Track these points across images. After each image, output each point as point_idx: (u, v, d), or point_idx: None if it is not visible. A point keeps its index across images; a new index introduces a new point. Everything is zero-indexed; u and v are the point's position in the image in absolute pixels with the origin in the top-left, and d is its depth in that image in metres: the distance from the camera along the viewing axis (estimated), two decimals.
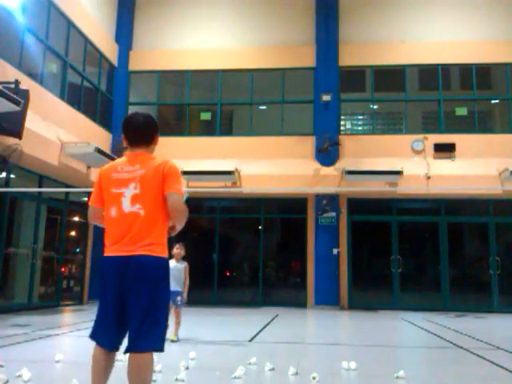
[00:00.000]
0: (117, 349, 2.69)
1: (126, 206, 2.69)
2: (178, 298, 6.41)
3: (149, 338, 2.55)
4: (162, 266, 2.70)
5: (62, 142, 10.23)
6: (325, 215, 12.40)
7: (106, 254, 2.70)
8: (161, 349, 2.61)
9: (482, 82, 13.66)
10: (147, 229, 2.66)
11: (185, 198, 2.94)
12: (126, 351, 2.56)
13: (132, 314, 2.57)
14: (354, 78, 14.26)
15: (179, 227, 2.85)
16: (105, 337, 2.66)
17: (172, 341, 6.12)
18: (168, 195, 2.69)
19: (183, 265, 6.60)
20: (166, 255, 2.76)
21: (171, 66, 14.11)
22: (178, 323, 6.33)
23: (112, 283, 2.64)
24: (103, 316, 2.69)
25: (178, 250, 6.64)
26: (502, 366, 4.91)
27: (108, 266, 2.67)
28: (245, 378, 4.20)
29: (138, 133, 2.86)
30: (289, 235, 14.16)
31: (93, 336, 2.70)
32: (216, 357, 5.33)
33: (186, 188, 12.25)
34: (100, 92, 13.31)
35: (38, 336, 6.58)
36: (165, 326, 2.73)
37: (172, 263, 6.35)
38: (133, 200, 2.69)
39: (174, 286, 6.26)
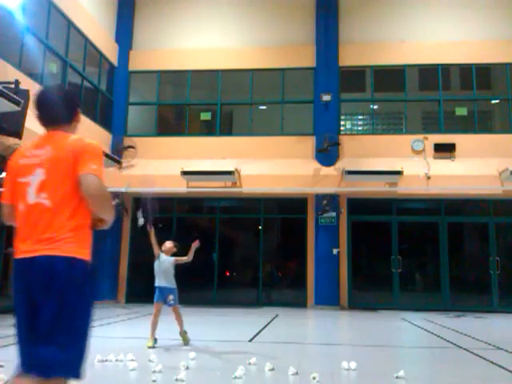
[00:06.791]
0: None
1: (31, 196, 2.21)
2: (171, 297, 5.94)
3: (46, 364, 2.07)
4: (74, 269, 2.14)
5: None
6: (325, 215, 12.40)
7: (14, 257, 2.25)
8: (75, 375, 2.11)
9: (482, 81, 13.66)
10: (55, 223, 2.16)
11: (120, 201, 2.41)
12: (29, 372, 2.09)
13: (37, 327, 2.14)
14: (354, 78, 14.25)
15: (107, 218, 2.29)
16: (21, 359, 2.20)
17: (185, 344, 5.98)
18: (81, 177, 2.18)
19: (173, 258, 6.13)
20: (84, 257, 2.20)
21: (171, 66, 14.10)
22: (179, 321, 6.05)
23: (19, 290, 2.20)
24: (17, 332, 2.24)
25: (170, 244, 6.18)
26: (502, 366, 4.91)
27: (14, 271, 2.23)
28: (245, 378, 4.20)
29: (52, 113, 2.36)
30: (289, 235, 14.13)
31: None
32: (216, 357, 5.33)
33: (185, 188, 12.26)
34: (100, 92, 13.31)
35: None
36: (81, 347, 2.15)
37: (162, 256, 6.08)
38: (38, 189, 2.20)
39: (163, 282, 5.99)
